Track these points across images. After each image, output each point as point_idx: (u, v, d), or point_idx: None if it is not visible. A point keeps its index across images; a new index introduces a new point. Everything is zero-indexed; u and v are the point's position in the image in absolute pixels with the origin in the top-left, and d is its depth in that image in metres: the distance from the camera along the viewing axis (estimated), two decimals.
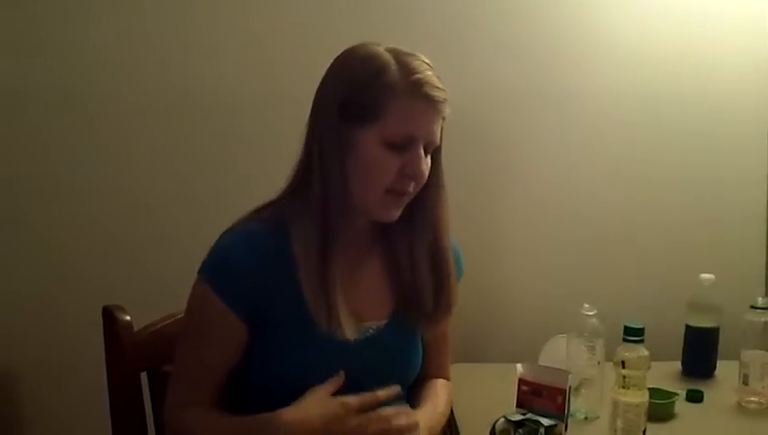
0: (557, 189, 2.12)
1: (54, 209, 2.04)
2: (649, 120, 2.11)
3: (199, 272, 1.34)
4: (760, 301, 1.74)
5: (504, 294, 2.14)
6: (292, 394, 1.31)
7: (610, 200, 2.13)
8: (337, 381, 1.30)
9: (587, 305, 1.62)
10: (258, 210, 1.39)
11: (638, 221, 2.14)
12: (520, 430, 1.44)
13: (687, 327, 1.90)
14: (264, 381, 1.35)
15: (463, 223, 2.00)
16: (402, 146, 1.29)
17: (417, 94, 1.29)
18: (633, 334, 1.44)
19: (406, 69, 1.30)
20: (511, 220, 2.12)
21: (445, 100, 1.31)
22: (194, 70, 2.02)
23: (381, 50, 1.32)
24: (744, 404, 1.71)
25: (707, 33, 2.10)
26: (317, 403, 1.28)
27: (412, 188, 1.33)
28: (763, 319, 1.72)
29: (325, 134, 1.32)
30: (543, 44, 2.08)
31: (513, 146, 2.11)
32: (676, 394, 1.68)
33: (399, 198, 1.33)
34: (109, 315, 1.44)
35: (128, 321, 1.44)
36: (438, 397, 1.50)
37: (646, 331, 1.45)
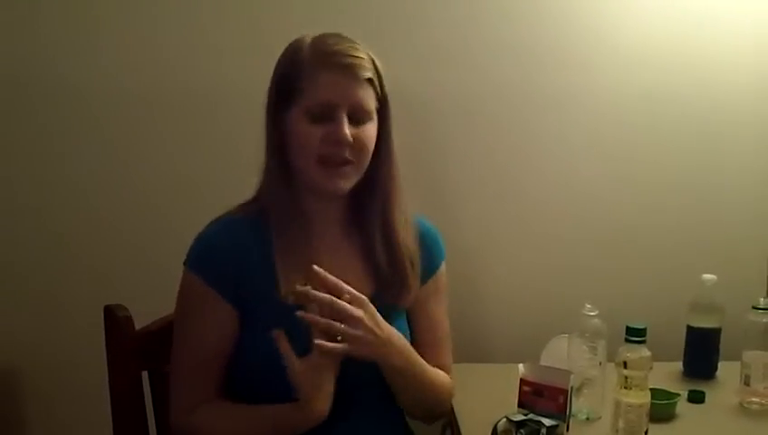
0: (559, 190, 2.12)
1: (57, 207, 2.04)
2: (651, 121, 2.11)
3: (185, 263, 1.39)
4: (762, 301, 1.73)
5: (505, 294, 2.13)
6: (277, 380, 1.31)
7: (612, 201, 2.12)
8: (282, 340, 1.29)
9: (589, 306, 1.62)
10: (241, 204, 1.46)
11: (639, 222, 2.13)
12: (521, 431, 1.44)
13: (689, 328, 1.90)
14: (251, 366, 1.38)
15: (464, 222, 2.04)
16: (325, 116, 1.36)
17: (325, 63, 1.36)
18: (635, 335, 1.44)
19: (316, 44, 1.39)
20: (512, 220, 2.12)
21: (359, 65, 1.36)
22: (199, 66, 2.02)
23: (306, 37, 1.41)
24: (745, 405, 1.71)
25: (709, 34, 2.08)
26: (308, 374, 1.29)
27: (349, 155, 1.37)
28: (764, 320, 1.71)
29: (267, 126, 1.41)
30: (545, 43, 2.07)
31: (514, 145, 2.10)
32: (678, 395, 1.67)
33: (338, 168, 1.38)
34: (110, 314, 1.45)
35: (129, 319, 1.45)
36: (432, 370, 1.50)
37: (648, 331, 1.45)
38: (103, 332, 1.46)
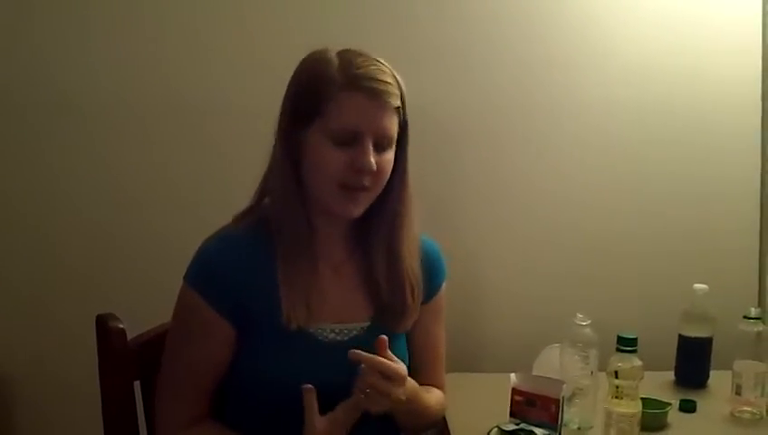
0: (551, 199, 2.13)
1: (49, 216, 2.04)
2: (643, 131, 2.12)
3: (184, 278, 1.37)
4: (753, 311, 1.74)
5: (497, 303, 2.14)
6: (277, 398, 1.32)
7: (605, 211, 2.13)
8: (310, 395, 1.29)
9: (580, 315, 1.62)
10: (238, 217, 1.43)
11: (631, 231, 2.14)
12: None
13: (681, 337, 1.90)
14: (248, 386, 1.37)
15: (456, 232, 2.05)
16: (349, 141, 1.32)
17: (357, 87, 1.31)
18: (626, 344, 1.44)
19: (346, 64, 1.33)
20: (504, 230, 2.13)
21: (388, 92, 1.32)
22: (190, 75, 2.02)
23: (330, 51, 1.36)
24: (736, 414, 1.71)
25: (701, 45, 2.10)
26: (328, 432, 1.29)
27: (368, 182, 1.34)
28: (755, 329, 1.72)
29: (280, 140, 1.37)
30: (536, 52, 2.08)
31: (507, 154, 2.11)
32: (670, 404, 1.68)
33: (355, 193, 1.35)
34: (102, 324, 1.44)
35: (121, 329, 1.44)
36: (428, 390, 1.51)
37: (639, 341, 1.45)
38: (95, 341, 1.45)
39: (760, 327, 1.73)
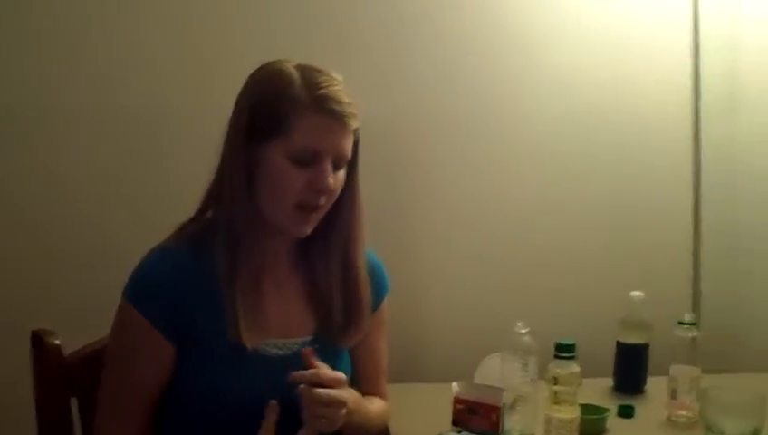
0: (490, 212, 2.16)
1: None
2: (579, 145, 2.17)
3: (123, 293, 1.34)
4: (687, 317, 1.78)
5: (439, 314, 2.15)
6: (221, 414, 1.31)
7: (542, 222, 2.16)
8: (272, 412, 1.29)
9: (520, 324, 1.64)
10: (179, 230, 1.40)
11: (568, 242, 2.18)
12: None
13: (618, 344, 1.94)
14: (191, 403, 1.34)
15: (397, 244, 2.05)
16: (308, 161, 1.31)
17: (321, 109, 1.31)
18: (564, 351, 1.47)
19: (310, 83, 1.32)
20: (443, 242, 2.15)
21: (351, 114, 1.33)
22: (134, 84, 2.01)
23: (288, 66, 1.35)
24: (673, 418, 1.74)
25: (635, 60, 2.16)
26: None
27: (323, 201, 1.34)
28: (690, 334, 1.76)
29: (233, 152, 1.34)
30: (477, 66, 2.11)
31: (446, 168, 2.14)
32: (608, 410, 1.70)
33: (309, 213, 1.35)
34: (37, 339, 1.41)
35: (57, 345, 1.41)
36: (370, 400, 1.51)
37: (578, 348, 1.48)
38: (30, 357, 1.42)
39: (694, 333, 1.77)
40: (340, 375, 1.33)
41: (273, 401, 1.28)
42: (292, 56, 1.39)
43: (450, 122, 2.12)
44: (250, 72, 1.39)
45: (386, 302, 1.57)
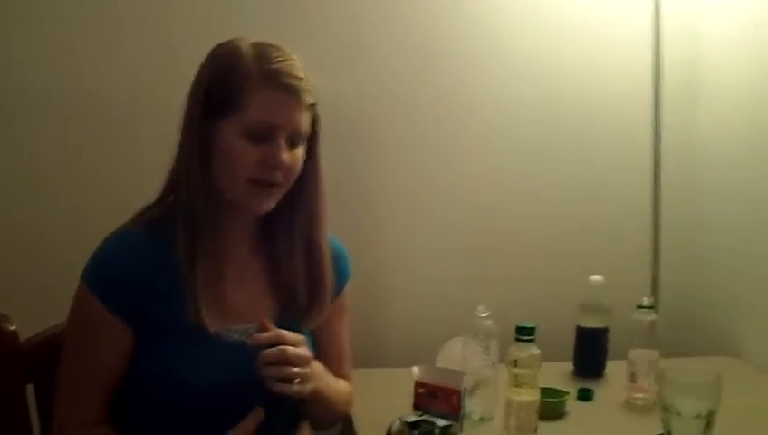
0: (449, 195, 2.17)
1: None
2: (538, 131, 2.18)
3: (81, 277, 1.33)
4: (645, 301, 1.80)
5: (400, 299, 2.16)
6: (182, 399, 1.30)
7: (503, 207, 2.18)
8: (256, 417, 1.30)
9: (481, 308, 1.65)
10: (139, 214, 1.39)
11: (528, 228, 2.20)
12: (415, 432, 1.45)
13: (578, 328, 1.95)
14: (152, 388, 1.33)
15: (354, 230, 2.02)
16: (262, 136, 1.31)
17: (273, 84, 1.31)
18: (524, 334, 1.47)
19: (262, 59, 1.32)
20: (403, 226, 2.16)
21: (305, 89, 1.33)
22: (105, 70, 1.99)
23: (243, 43, 1.35)
24: (631, 401, 1.76)
25: (598, 49, 2.18)
26: None
27: (280, 178, 1.34)
28: (648, 318, 1.78)
29: (189, 133, 1.34)
30: (442, 52, 2.12)
31: (406, 154, 2.14)
32: (568, 393, 1.72)
33: (267, 189, 1.34)
34: None
35: (13, 331, 1.40)
36: (336, 379, 1.51)
37: (539, 333, 1.49)
38: None
39: (652, 316, 1.79)
40: (300, 336, 1.33)
41: (260, 409, 1.29)
42: (262, 37, 1.38)
43: (413, 109, 2.13)
44: None
45: (348, 287, 1.57)
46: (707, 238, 2.23)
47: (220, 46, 1.37)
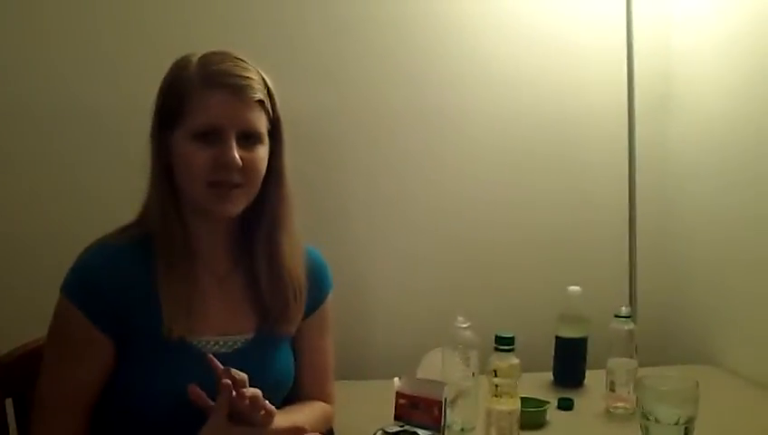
0: (430, 208, 2.18)
1: None
2: (517, 142, 2.21)
3: (61, 289, 1.32)
4: (623, 310, 1.82)
5: (381, 311, 2.17)
6: (162, 412, 1.29)
7: (482, 218, 2.20)
8: (224, 400, 1.26)
9: (461, 318, 1.65)
10: (119, 230, 1.39)
11: (506, 239, 2.22)
12: None
13: (557, 338, 1.96)
14: (131, 401, 1.33)
15: (338, 241, 2.05)
16: (212, 138, 1.32)
17: (213, 84, 1.32)
18: (504, 343, 1.48)
19: (203, 64, 1.34)
20: (381, 238, 2.17)
21: (247, 86, 1.33)
22: (89, 79, 1.99)
23: (193, 55, 1.36)
24: (611, 410, 1.78)
25: (569, 62, 2.21)
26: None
27: (238, 179, 1.33)
28: (626, 327, 1.80)
29: (151, 148, 1.36)
30: (418, 62, 2.14)
31: (387, 165, 2.16)
32: (548, 403, 1.73)
33: (227, 191, 1.34)
34: None
35: None
36: (301, 411, 1.48)
37: (518, 343, 1.49)
38: None
39: (630, 325, 1.81)
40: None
41: (227, 381, 1.25)
42: (244, 49, 1.40)
43: (390, 120, 2.14)
44: None
45: (330, 300, 1.56)
46: (683, 248, 2.26)
47: (174, 62, 1.39)
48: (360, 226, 2.15)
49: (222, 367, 1.26)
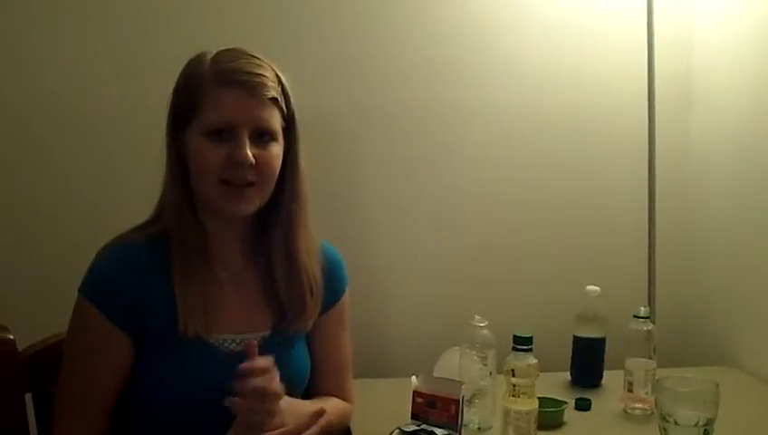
0: (448, 207, 2.17)
1: None
2: (537, 137, 2.18)
3: (79, 290, 1.33)
4: (642, 310, 1.80)
5: (397, 310, 2.16)
6: (178, 409, 1.30)
7: (500, 218, 2.18)
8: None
9: (478, 317, 1.65)
10: (136, 228, 1.39)
11: (525, 239, 2.20)
12: None
13: (575, 338, 1.95)
14: (149, 399, 1.33)
15: (354, 238, 2.05)
16: (225, 136, 1.32)
17: (226, 81, 1.31)
18: (522, 343, 1.47)
19: (217, 61, 1.34)
20: (400, 238, 2.16)
21: (260, 83, 1.32)
22: (85, 78, 1.99)
23: (207, 54, 1.36)
24: (629, 411, 1.77)
25: (592, 58, 2.18)
26: None
27: (252, 177, 1.33)
28: (645, 328, 1.79)
29: (167, 146, 1.36)
30: (434, 57, 2.12)
31: (405, 159, 2.14)
32: (566, 403, 1.72)
33: (240, 189, 1.34)
34: None
35: (10, 340, 1.40)
36: (324, 402, 1.47)
37: (536, 343, 1.48)
38: None
39: (649, 326, 1.79)
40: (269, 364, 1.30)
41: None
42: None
43: (408, 118, 2.13)
44: None
45: (346, 298, 1.56)
46: (703, 248, 2.24)
47: (188, 60, 1.39)
48: (377, 225, 2.14)
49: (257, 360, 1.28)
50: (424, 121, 2.14)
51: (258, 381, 1.25)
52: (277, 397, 1.29)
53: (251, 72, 1.32)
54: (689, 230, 2.25)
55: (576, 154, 2.21)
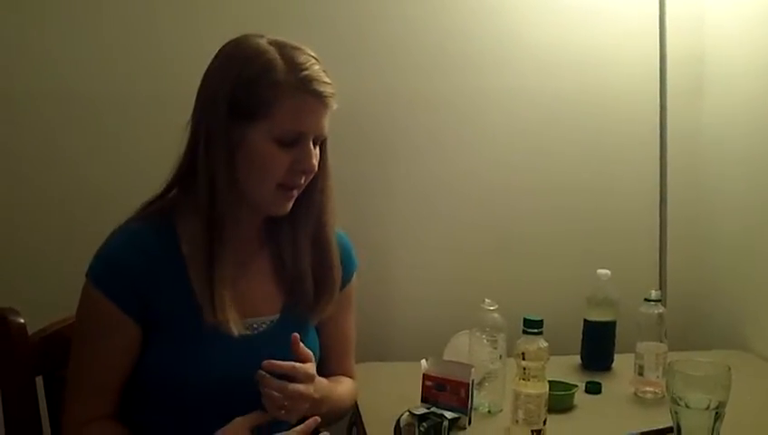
0: (458, 192, 2.17)
1: None
2: (548, 122, 2.18)
3: (87, 275, 1.32)
4: (653, 294, 1.80)
5: (408, 293, 2.16)
6: (187, 393, 1.30)
7: (510, 202, 2.18)
8: (259, 417, 1.29)
9: (488, 300, 1.65)
10: (144, 208, 1.38)
11: (536, 222, 2.20)
12: (424, 424, 1.45)
13: (586, 322, 1.95)
14: (159, 383, 1.33)
15: (364, 222, 2.05)
16: (292, 142, 1.31)
17: (305, 91, 1.30)
18: (532, 326, 1.47)
19: (292, 65, 1.31)
20: (410, 221, 2.16)
21: (332, 94, 1.33)
22: (85, 67, 1.99)
23: (266, 45, 1.33)
24: (639, 394, 1.76)
25: (601, 39, 2.17)
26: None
27: (303, 181, 1.35)
28: (656, 311, 1.78)
29: (212, 131, 1.31)
30: (443, 43, 2.11)
31: (415, 149, 2.14)
32: (576, 386, 1.72)
33: (291, 191, 1.35)
34: (1, 319, 1.39)
35: (21, 324, 1.39)
36: (339, 382, 1.52)
37: (546, 326, 1.48)
38: None
39: (660, 309, 1.79)
40: (310, 368, 1.34)
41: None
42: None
43: (419, 104, 2.12)
44: (216, 51, 1.37)
45: (354, 281, 1.57)
46: (715, 231, 2.23)
47: (240, 46, 1.34)
48: (387, 209, 2.14)
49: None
50: (437, 107, 2.14)
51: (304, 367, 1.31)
52: (306, 399, 1.32)
53: (326, 82, 1.32)
54: (701, 213, 2.24)
55: (588, 138, 2.20)
